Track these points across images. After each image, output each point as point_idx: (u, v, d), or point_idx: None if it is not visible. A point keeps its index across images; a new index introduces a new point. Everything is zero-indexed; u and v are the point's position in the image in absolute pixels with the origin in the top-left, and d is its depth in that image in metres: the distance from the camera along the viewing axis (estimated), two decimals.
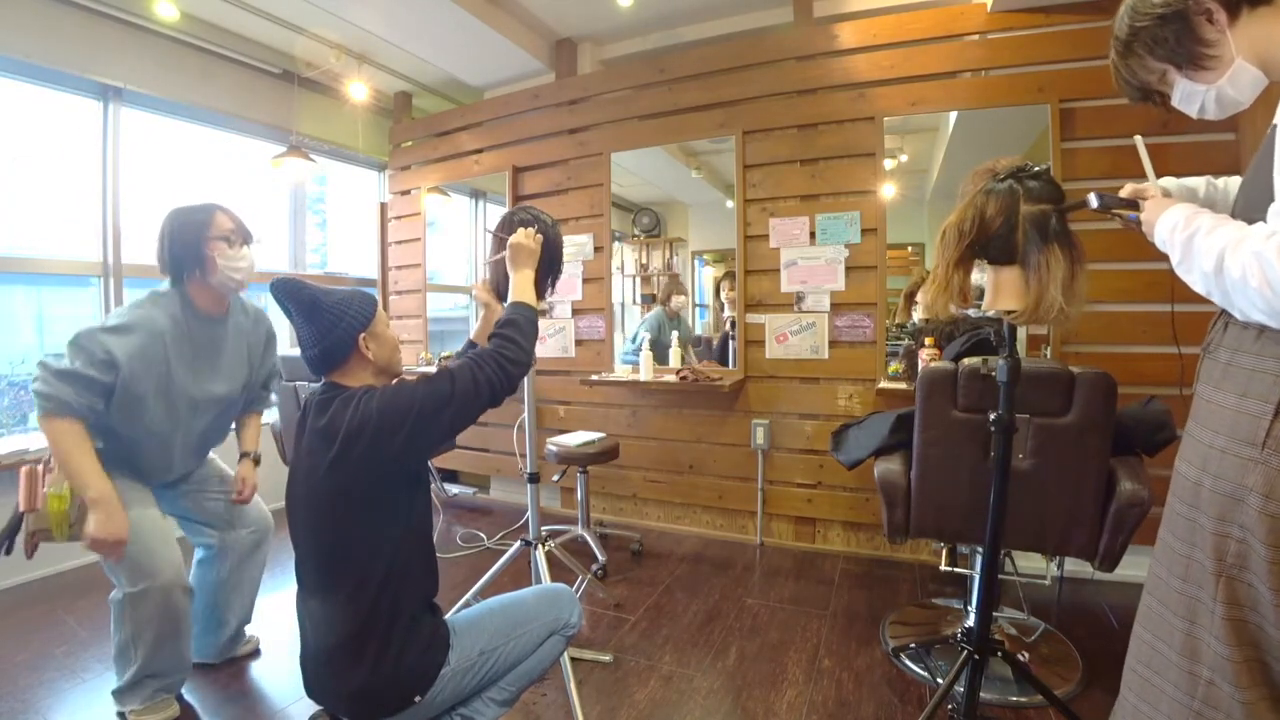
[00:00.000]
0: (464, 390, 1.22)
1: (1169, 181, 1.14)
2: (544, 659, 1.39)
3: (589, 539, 2.84)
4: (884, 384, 2.72)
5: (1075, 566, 2.13)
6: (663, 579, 2.66)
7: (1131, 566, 1.89)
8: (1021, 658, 1.91)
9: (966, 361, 1.71)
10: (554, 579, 1.90)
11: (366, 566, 1.19)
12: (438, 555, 1.37)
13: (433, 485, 2.64)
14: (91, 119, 2.95)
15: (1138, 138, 1.17)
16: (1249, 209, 0.88)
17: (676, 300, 3.49)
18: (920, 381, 1.75)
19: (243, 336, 1.91)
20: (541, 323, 1.50)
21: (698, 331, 3.63)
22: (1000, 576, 1.86)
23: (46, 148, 2.95)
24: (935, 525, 1.82)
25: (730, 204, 3.12)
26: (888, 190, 2.79)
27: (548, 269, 1.74)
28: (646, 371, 3.08)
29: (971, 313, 1.37)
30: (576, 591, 2.03)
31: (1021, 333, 2.41)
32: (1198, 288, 0.88)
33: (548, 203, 3.50)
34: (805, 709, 1.76)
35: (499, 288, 1.74)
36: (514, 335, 1.33)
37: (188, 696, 1.82)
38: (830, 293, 2.89)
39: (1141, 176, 1.16)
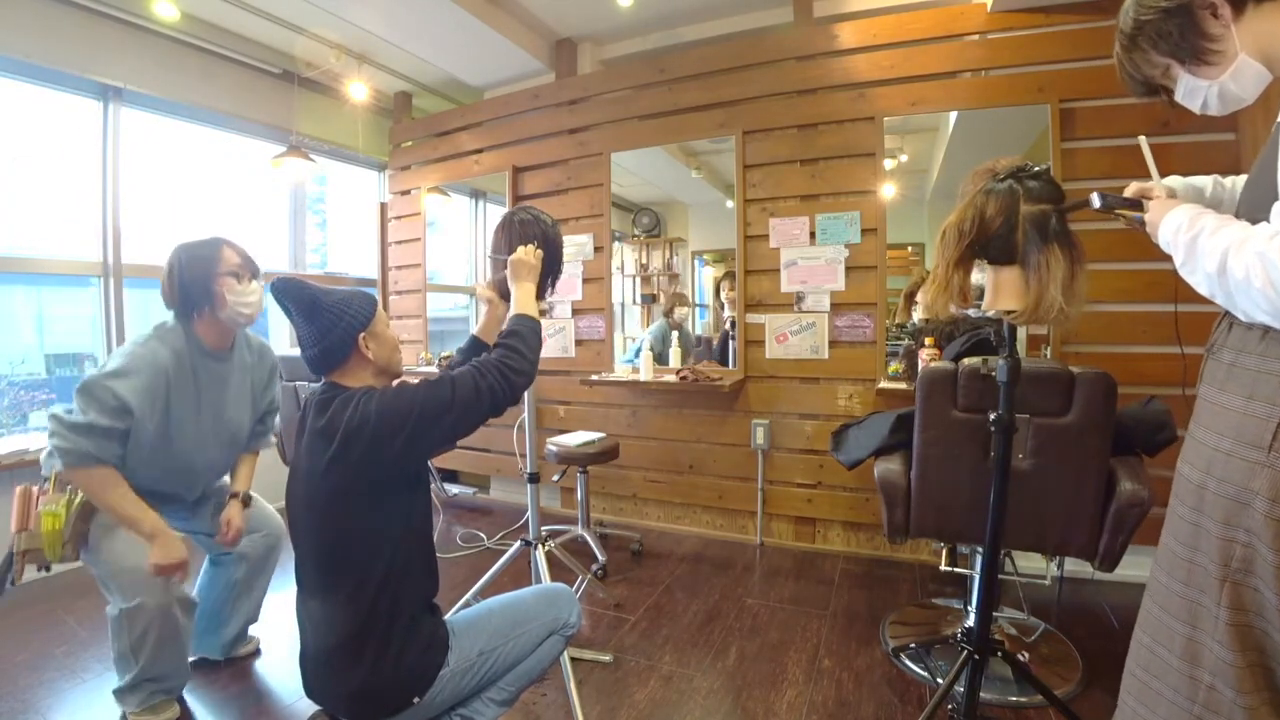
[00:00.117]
0: (465, 397, 1.21)
1: (1174, 181, 1.12)
2: (543, 659, 1.39)
3: (589, 539, 2.84)
4: (884, 384, 2.72)
5: (1075, 566, 2.13)
6: (663, 579, 2.66)
7: (1131, 566, 1.89)
8: (1021, 658, 1.91)
9: (966, 361, 1.71)
10: (554, 579, 1.90)
11: (366, 567, 1.19)
12: (438, 555, 1.37)
13: (433, 485, 2.64)
14: (91, 119, 2.95)
15: (1142, 138, 1.17)
16: (1252, 208, 0.88)
17: (679, 312, 3.50)
18: (920, 381, 1.75)
19: (247, 372, 1.90)
20: (542, 322, 1.51)
21: (698, 331, 3.64)
22: (1000, 576, 1.86)
23: (46, 148, 2.96)
24: (935, 525, 1.82)
25: (730, 204, 3.12)
26: (888, 190, 2.79)
27: (548, 269, 1.74)
28: (646, 371, 3.08)
29: (971, 313, 1.37)
30: (576, 591, 2.03)
31: (1021, 333, 2.40)
32: (1201, 289, 0.87)
33: (548, 203, 3.50)
34: (805, 709, 1.76)
35: (501, 286, 1.74)
36: (518, 345, 1.32)
37: (189, 696, 1.83)
38: (830, 293, 2.89)
39: (1144, 176, 1.15)
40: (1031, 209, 1.27)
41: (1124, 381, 1.68)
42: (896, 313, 2.86)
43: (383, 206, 4.28)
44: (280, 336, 4.00)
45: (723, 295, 3.36)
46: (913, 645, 2.01)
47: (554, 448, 2.83)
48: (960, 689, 1.51)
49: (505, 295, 1.65)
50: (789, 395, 3.00)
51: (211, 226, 3.61)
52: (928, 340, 2.49)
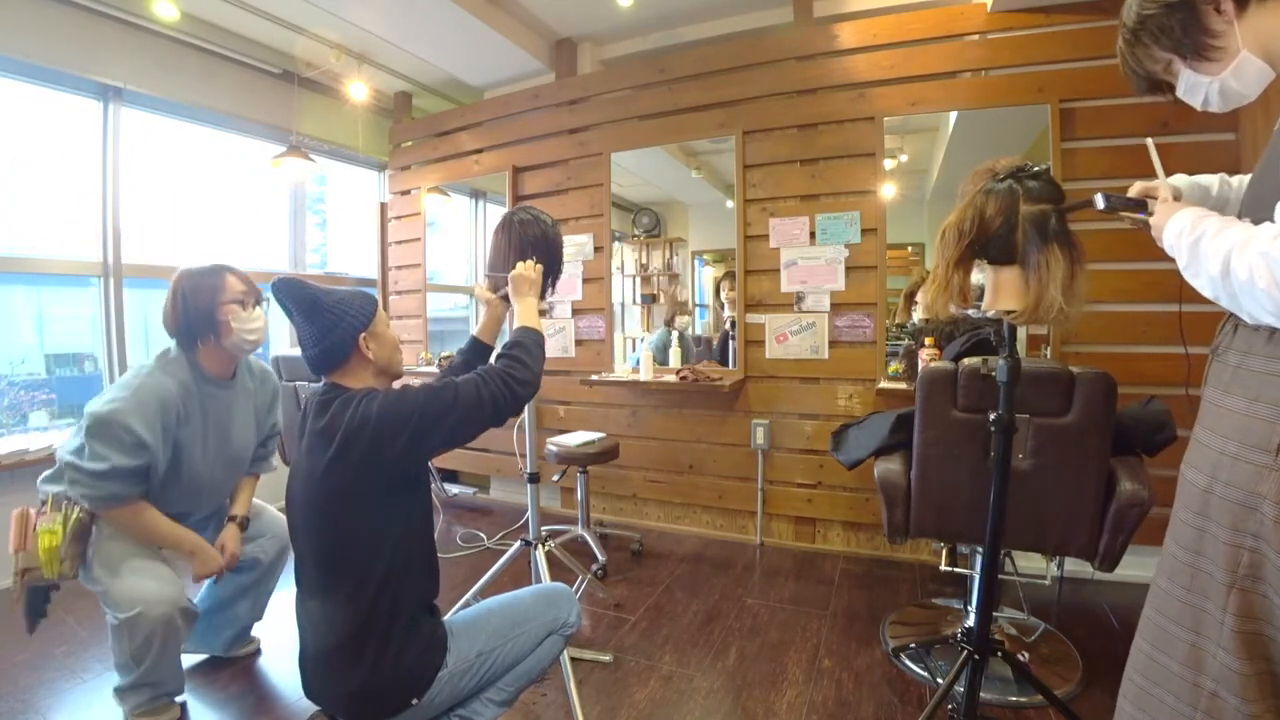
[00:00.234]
0: (468, 402, 1.21)
1: (1180, 179, 1.11)
2: (543, 659, 1.39)
3: (589, 539, 2.84)
4: (884, 384, 2.72)
5: (1075, 566, 2.13)
6: (663, 579, 2.66)
7: (1131, 566, 1.90)
8: (1021, 658, 1.91)
9: (966, 361, 1.71)
10: (554, 579, 1.90)
11: (365, 567, 1.19)
12: (438, 555, 1.37)
13: (433, 485, 2.64)
14: (91, 119, 2.95)
15: (1149, 140, 1.15)
16: (1256, 207, 0.87)
17: (680, 321, 3.51)
18: (920, 381, 1.75)
19: (250, 397, 1.90)
20: (542, 322, 1.52)
21: (698, 331, 3.64)
22: (1000, 576, 1.86)
23: (46, 148, 2.95)
24: (935, 525, 1.82)
25: (730, 204, 3.12)
26: (888, 190, 2.79)
27: (548, 269, 1.74)
28: (646, 371, 3.08)
29: (971, 313, 1.37)
30: (576, 591, 2.03)
31: (1021, 333, 2.41)
32: (1206, 292, 0.86)
33: (548, 203, 3.50)
34: (805, 709, 1.76)
35: (499, 286, 1.74)
36: (522, 356, 1.32)
37: (189, 696, 1.82)
38: (830, 293, 2.89)
39: (1145, 175, 1.15)
40: (1031, 209, 1.27)
41: (1124, 381, 1.68)
42: (896, 313, 2.86)
43: (383, 206, 4.28)
44: (280, 336, 4.00)
45: (723, 295, 3.36)
46: (913, 645, 2.01)
47: (554, 448, 2.83)
48: (960, 689, 1.51)
49: (504, 297, 1.66)
50: (789, 395, 3.00)
51: (211, 226, 3.64)
52: (928, 340, 2.49)
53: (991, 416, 1.39)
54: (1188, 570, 0.90)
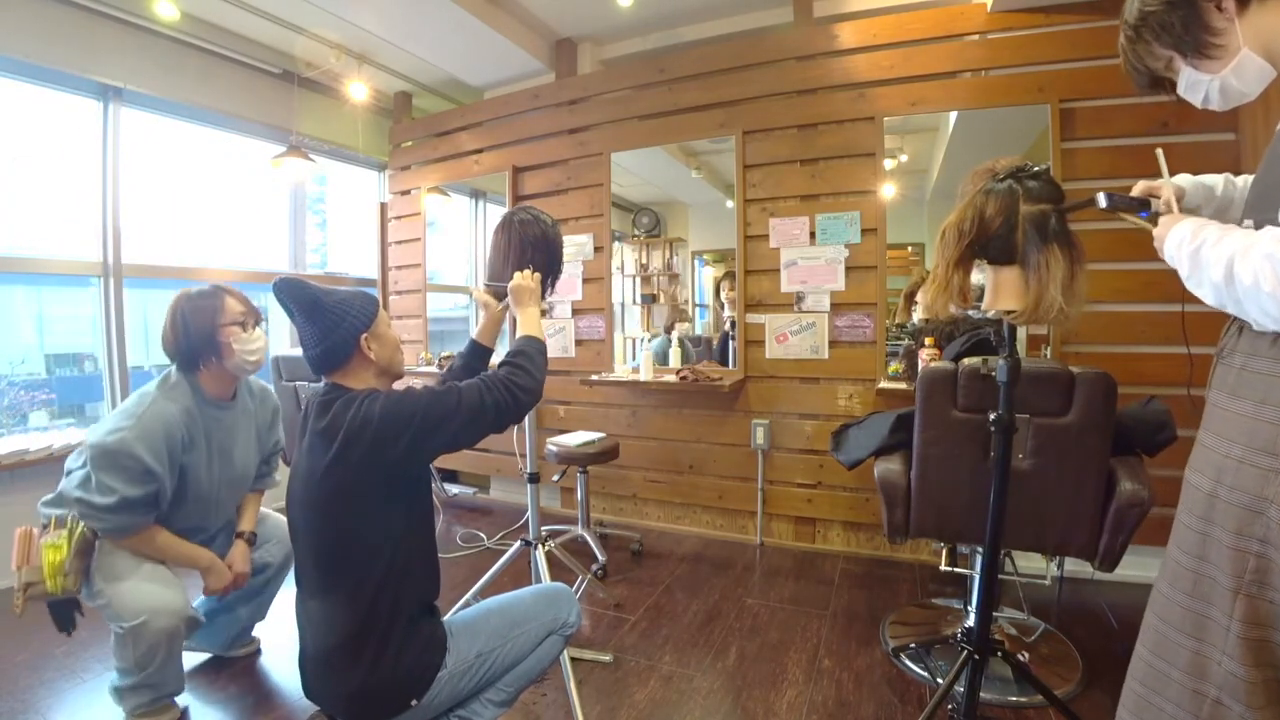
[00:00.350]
0: (470, 407, 1.22)
1: (1184, 179, 1.11)
2: (542, 659, 1.39)
3: (589, 539, 2.84)
4: (884, 384, 2.72)
5: (1075, 566, 2.13)
6: (663, 579, 2.66)
7: (1131, 566, 1.90)
8: (1021, 658, 1.91)
9: (966, 361, 1.71)
10: (554, 579, 1.90)
11: (365, 567, 1.19)
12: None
13: (433, 485, 2.64)
14: (91, 119, 2.95)
15: (1159, 151, 1.12)
16: (1259, 207, 0.87)
17: (680, 328, 3.50)
18: (920, 381, 1.75)
19: (251, 417, 1.91)
20: (542, 322, 1.52)
21: (698, 331, 3.64)
22: (1000, 576, 1.86)
23: (46, 148, 2.95)
24: (935, 525, 1.82)
25: (730, 204, 3.12)
26: (888, 190, 2.79)
27: (548, 269, 1.74)
28: (646, 371, 3.08)
29: (971, 313, 1.37)
30: (576, 592, 2.03)
31: (1021, 333, 2.41)
32: (1209, 300, 0.86)
33: (548, 203, 3.50)
34: (805, 709, 1.76)
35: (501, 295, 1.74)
36: (525, 364, 1.33)
37: (189, 695, 1.82)
38: (830, 293, 2.89)
39: (1148, 176, 1.15)
40: (1031, 209, 1.27)
41: (1124, 381, 1.68)
42: (896, 313, 2.86)
43: (383, 206, 4.28)
44: (280, 336, 4.00)
45: (723, 295, 3.36)
46: (913, 645, 2.01)
47: (554, 448, 2.83)
48: (960, 689, 1.51)
49: (500, 298, 1.66)
50: (789, 395, 3.00)
51: (211, 226, 3.64)
52: (928, 340, 2.49)
53: (991, 416, 1.39)
54: (1190, 576, 0.88)
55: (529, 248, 1.71)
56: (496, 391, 1.25)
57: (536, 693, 1.82)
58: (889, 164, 2.81)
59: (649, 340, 3.54)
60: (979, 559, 1.85)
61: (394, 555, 1.21)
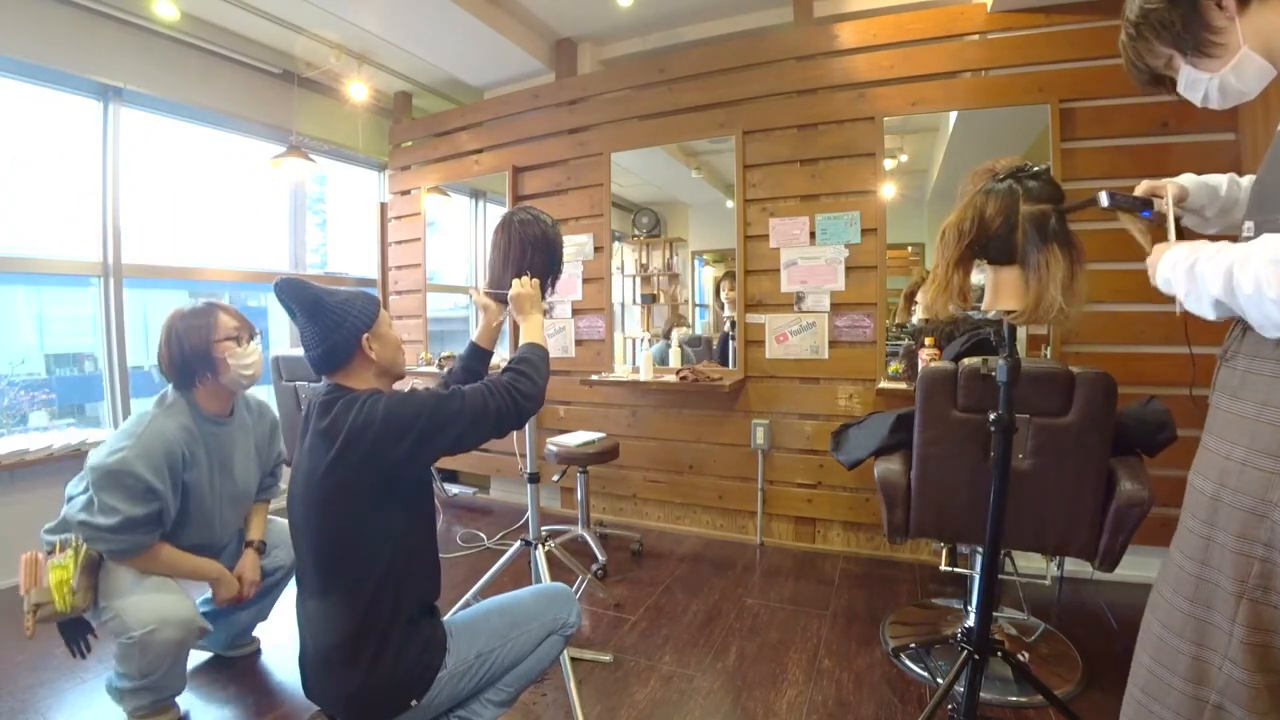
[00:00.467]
0: (473, 412, 1.22)
1: (1188, 179, 1.11)
2: (542, 659, 1.39)
3: (589, 539, 2.84)
4: (884, 384, 2.72)
5: (1075, 566, 2.13)
6: (663, 579, 2.66)
7: (1131, 566, 1.89)
8: (1021, 658, 1.91)
9: (966, 361, 1.71)
10: (554, 579, 1.90)
11: (365, 567, 1.19)
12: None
13: (433, 486, 2.64)
14: (91, 119, 2.95)
15: (1170, 196, 1.11)
16: (1261, 208, 0.86)
17: (679, 333, 3.51)
18: (920, 381, 1.75)
19: (249, 432, 1.91)
20: (550, 350, 1.53)
21: (698, 331, 3.64)
22: (1000, 576, 1.86)
23: (46, 148, 2.95)
24: (935, 525, 1.82)
25: (730, 204, 3.12)
26: (888, 190, 2.79)
27: (548, 269, 1.74)
28: (646, 371, 3.08)
29: (971, 313, 1.37)
30: (576, 592, 2.03)
31: (1021, 333, 2.41)
32: (1209, 315, 0.85)
33: (548, 203, 3.50)
34: (805, 709, 1.76)
35: (499, 285, 1.74)
36: (528, 370, 1.34)
37: (189, 695, 1.82)
38: (830, 293, 2.89)
39: (1145, 176, 1.15)
40: (1031, 209, 1.27)
41: (1124, 381, 1.68)
42: (896, 313, 2.86)
43: (383, 206, 4.28)
44: (280, 336, 4.00)
45: (723, 295, 3.36)
46: (913, 645, 2.01)
47: (554, 448, 2.83)
48: (960, 689, 1.51)
49: (501, 300, 1.66)
50: (789, 395, 3.00)
51: (211, 226, 3.65)
52: (928, 340, 2.49)
53: (991, 416, 1.39)
54: (1192, 580, 0.88)
55: (529, 248, 1.71)
56: (499, 397, 1.26)
57: (536, 693, 1.82)
58: (889, 164, 2.81)
59: (647, 342, 3.54)
60: (979, 559, 1.85)
61: (394, 555, 1.21)
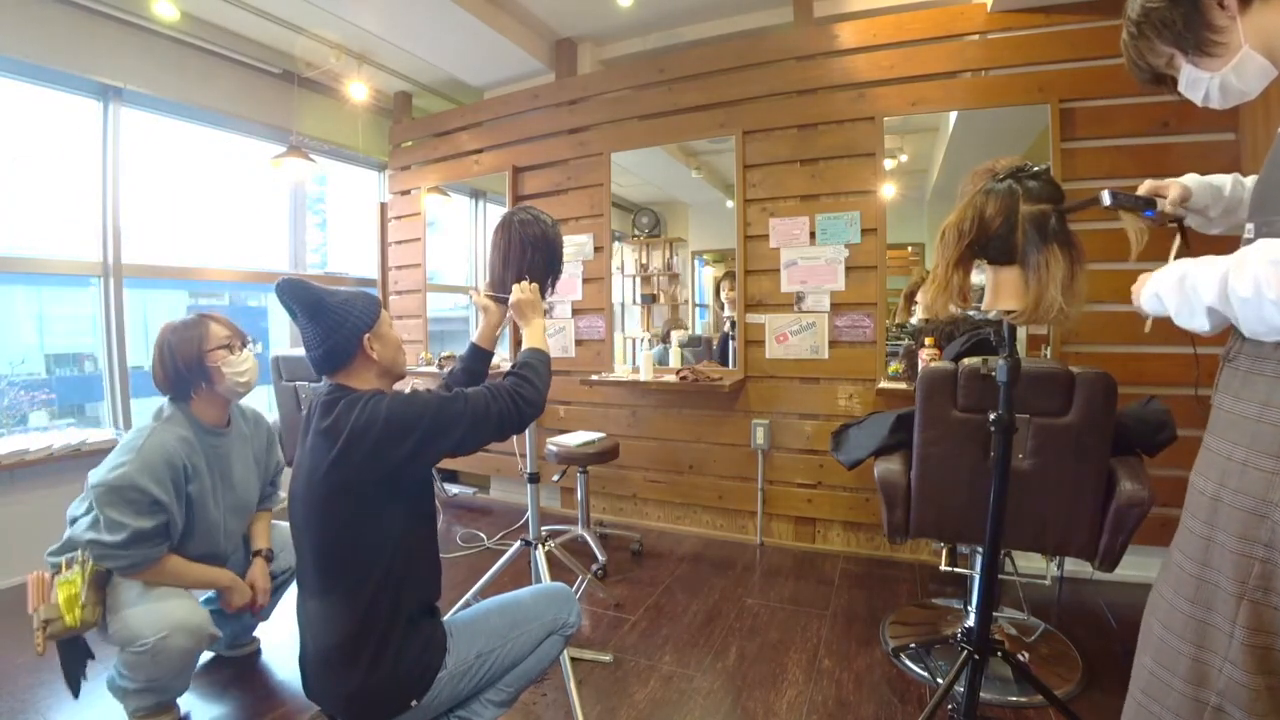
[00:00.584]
0: (475, 415, 1.23)
1: (1191, 179, 1.10)
2: (542, 659, 1.39)
3: (589, 539, 2.84)
4: (884, 384, 2.72)
5: (1075, 566, 2.13)
6: (663, 579, 2.66)
7: (1131, 566, 1.89)
8: (1021, 658, 1.91)
9: (966, 361, 1.71)
10: (554, 579, 1.90)
11: (365, 567, 1.19)
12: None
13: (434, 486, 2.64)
14: (91, 119, 2.95)
15: (1177, 253, 1.10)
16: (1263, 209, 0.86)
17: (677, 335, 3.51)
18: (920, 381, 1.75)
19: (247, 442, 1.91)
20: (551, 355, 1.54)
21: (698, 331, 3.64)
22: (1000, 576, 1.86)
23: (46, 148, 2.95)
24: (935, 525, 1.82)
25: (730, 204, 3.12)
26: (888, 190, 2.79)
27: (548, 269, 1.74)
28: (646, 371, 3.08)
29: (971, 313, 1.37)
30: (576, 592, 2.03)
31: (1021, 333, 2.41)
32: (1203, 329, 0.83)
33: (548, 203, 3.50)
34: (805, 709, 1.76)
35: (499, 287, 1.74)
36: (530, 376, 1.35)
37: (189, 695, 1.82)
38: (830, 293, 2.89)
39: (1145, 176, 1.14)
40: (1031, 209, 1.27)
41: (1124, 381, 1.68)
42: (896, 313, 2.86)
43: (383, 206, 4.28)
44: (280, 336, 4.00)
45: (723, 295, 3.36)
46: (913, 645, 2.01)
47: (554, 448, 2.83)
48: (960, 689, 1.51)
49: (501, 302, 1.67)
50: (789, 395, 3.00)
51: (211, 226, 3.65)
52: (928, 340, 2.49)
53: (991, 416, 1.39)
54: (1193, 582, 0.87)
55: (529, 248, 1.71)
56: (502, 401, 1.27)
57: (536, 692, 1.82)
58: (889, 164, 2.81)
59: (647, 342, 3.54)
60: (979, 559, 1.85)
61: (394, 556, 1.21)
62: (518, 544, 2.12)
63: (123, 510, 1.54)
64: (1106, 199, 1.08)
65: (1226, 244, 0.89)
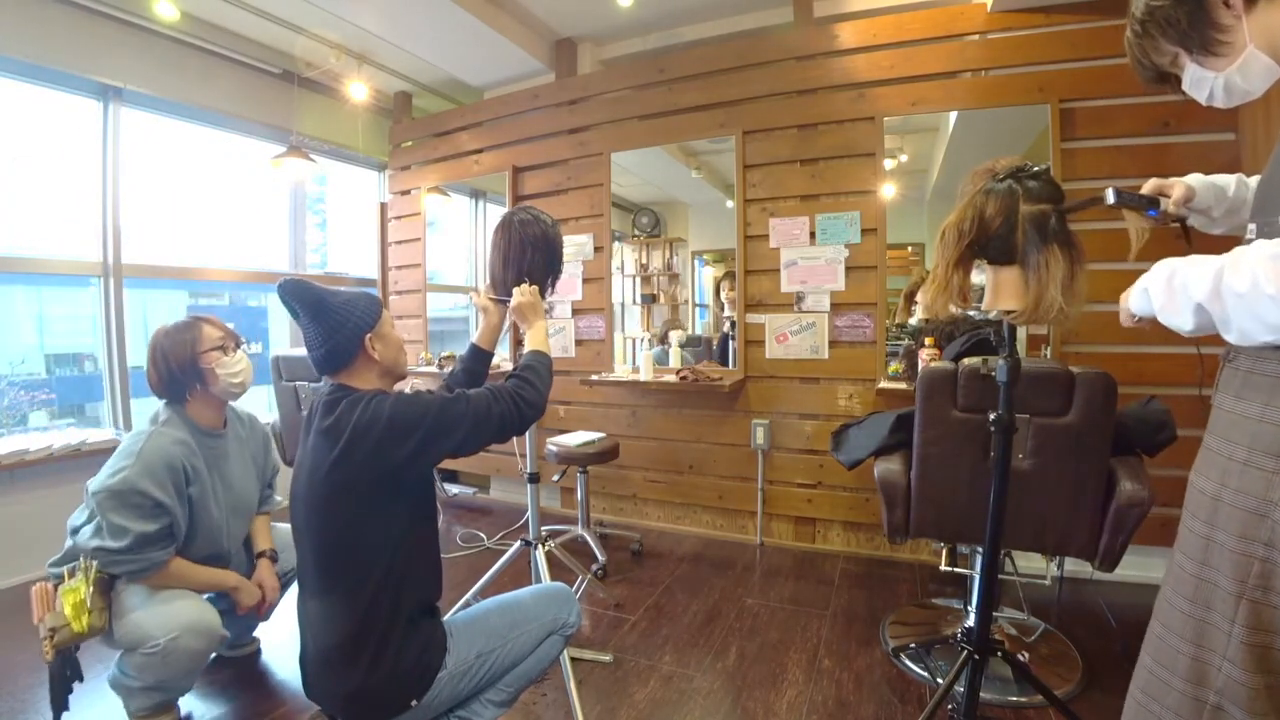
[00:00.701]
0: (478, 416, 1.24)
1: (1195, 178, 1.10)
2: (542, 659, 1.39)
3: (589, 539, 2.84)
4: (884, 384, 2.72)
5: (1075, 566, 2.13)
6: (663, 579, 2.66)
7: (1131, 566, 1.89)
8: (1021, 658, 1.91)
9: (966, 361, 1.71)
10: (554, 579, 1.90)
11: (366, 567, 1.19)
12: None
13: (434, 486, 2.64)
14: (91, 119, 2.95)
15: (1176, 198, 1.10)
16: (1266, 209, 0.86)
17: (676, 335, 3.51)
18: (920, 381, 1.75)
19: (243, 444, 1.91)
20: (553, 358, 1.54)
21: (698, 331, 3.64)
22: (1000, 576, 1.86)
23: (46, 148, 2.95)
24: (935, 525, 1.82)
25: (730, 204, 3.12)
26: (888, 190, 2.79)
27: (548, 268, 1.74)
28: (646, 371, 3.08)
29: (971, 313, 1.37)
30: (576, 592, 2.03)
31: (1021, 333, 2.41)
32: (1186, 327, 0.84)
33: (548, 203, 3.50)
34: (805, 709, 1.76)
35: (499, 287, 1.74)
36: (532, 378, 1.36)
37: (189, 695, 1.82)
38: (830, 293, 2.89)
39: (1145, 176, 1.14)
40: (1031, 209, 1.27)
41: (1124, 381, 1.68)
42: (896, 313, 2.86)
43: (383, 206, 4.28)
44: (281, 336, 4.00)
45: (723, 295, 3.36)
46: (913, 645, 2.01)
47: (554, 448, 2.83)
48: (960, 689, 1.51)
49: (502, 303, 1.67)
50: (789, 395, 3.00)
51: (211, 226, 3.65)
52: (928, 340, 2.49)
53: (991, 416, 1.39)
54: (1192, 581, 0.87)
55: (529, 247, 1.71)
56: (504, 403, 1.27)
57: (536, 692, 1.82)
58: (889, 164, 2.81)
59: (647, 342, 3.54)
60: (979, 559, 1.85)
61: (395, 556, 1.21)
62: (518, 544, 2.12)
63: (126, 515, 1.53)
64: (1111, 197, 1.08)
65: (1228, 245, 0.89)
